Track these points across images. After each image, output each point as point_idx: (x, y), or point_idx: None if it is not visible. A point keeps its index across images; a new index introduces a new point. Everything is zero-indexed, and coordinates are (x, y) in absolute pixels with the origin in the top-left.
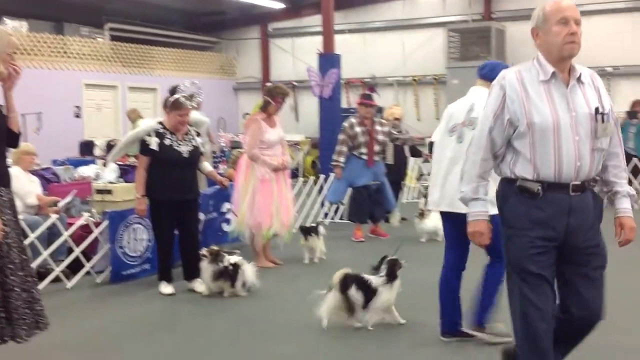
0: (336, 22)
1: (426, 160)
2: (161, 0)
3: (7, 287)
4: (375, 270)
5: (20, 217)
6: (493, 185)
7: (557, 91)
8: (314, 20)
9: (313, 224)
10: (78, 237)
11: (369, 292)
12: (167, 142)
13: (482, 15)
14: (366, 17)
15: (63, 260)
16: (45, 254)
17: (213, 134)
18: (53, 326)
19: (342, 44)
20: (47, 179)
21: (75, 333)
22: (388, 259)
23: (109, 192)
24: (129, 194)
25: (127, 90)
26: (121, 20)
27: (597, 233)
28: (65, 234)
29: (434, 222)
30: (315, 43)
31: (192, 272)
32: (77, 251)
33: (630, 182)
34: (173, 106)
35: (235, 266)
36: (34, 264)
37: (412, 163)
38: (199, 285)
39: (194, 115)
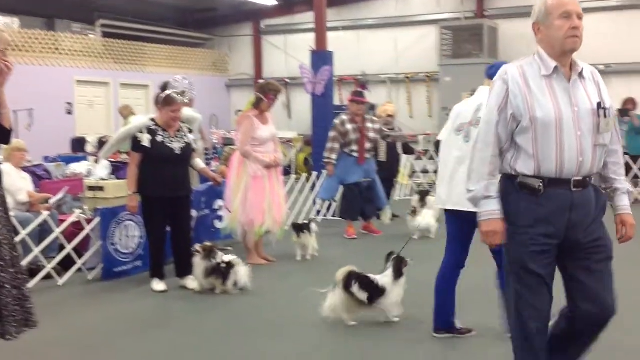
0: (329, 19)
1: (418, 158)
2: None
3: None
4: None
5: (12, 213)
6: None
7: (559, 86)
8: (307, 17)
9: (305, 221)
10: (69, 234)
11: (374, 290)
12: (159, 138)
13: (474, 13)
14: (359, 14)
15: (54, 257)
16: (36, 251)
17: (205, 131)
18: (44, 323)
19: (335, 41)
20: (39, 176)
21: (67, 330)
22: (394, 256)
23: (100, 188)
24: (121, 191)
25: (119, 86)
26: (113, 16)
27: (599, 226)
28: (57, 231)
29: (426, 219)
30: (308, 40)
31: (184, 269)
32: (68, 248)
33: None
34: (165, 102)
35: (229, 264)
36: (25, 261)
37: (405, 160)
38: (191, 282)
39: (186, 111)
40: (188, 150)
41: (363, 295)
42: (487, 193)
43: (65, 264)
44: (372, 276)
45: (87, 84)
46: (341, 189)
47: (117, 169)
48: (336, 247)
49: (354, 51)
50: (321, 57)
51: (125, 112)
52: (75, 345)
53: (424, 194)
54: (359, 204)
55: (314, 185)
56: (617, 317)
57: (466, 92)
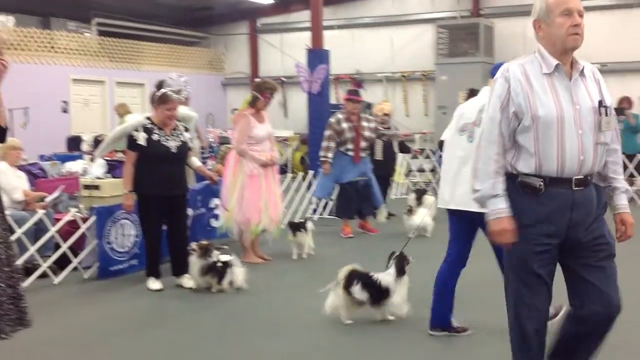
0: (325, 18)
1: (415, 157)
2: None
3: None
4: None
5: (7, 212)
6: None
7: (560, 84)
8: (303, 16)
9: (301, 220)
10: (65, 233)
11: (376, 290)
12: (155, 137)
13: (470, 12)
14: (355, 13)
15: (50, 256)
16: (32, 249)
17: (201, 129)
18: (40, 322)
19: (331, 39)
20: (34, 175)
21: (62, 329)
22: (396, 254)
23: (96, 187)
24: (117, 190)
25: (115, 85)
26: (109, 15)
27: (600, 225)
28: (53, 230)
29: (422, 218)
30: (304, 39)
31: (180, 268)
32: (64, 247)
33: None
34: (160, 100)
35: (225, 264)
36: (21, 260)
37: (401, 159)
38: (187, 281)
39: (182, 110)
40: (184, 148)
41: (363, 296)
42: (494, 192)
43: (61, 263)
44: (374, 275)
45: (82, 83)
46: (337, 188)
47: (113, 168)
48: (332, 246)
49: (350, 50)
50: (317, 55)
51: (122, 111)
52: (70, 344)
53: (420, 193)
54: (355, 202)
55: (310, 184)
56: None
57: (462, 91)
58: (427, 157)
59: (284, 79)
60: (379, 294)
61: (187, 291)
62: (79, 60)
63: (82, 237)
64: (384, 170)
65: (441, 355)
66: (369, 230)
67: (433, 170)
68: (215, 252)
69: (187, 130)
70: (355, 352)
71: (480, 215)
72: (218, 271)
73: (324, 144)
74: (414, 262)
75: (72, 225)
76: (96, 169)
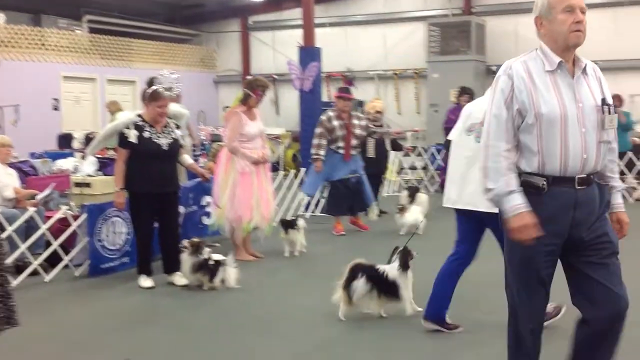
0: (317, 16)
1: (406, 154)
2: None
3: None
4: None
5: None
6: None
7: (563, 82)
8: (295, 14)
9: (293, 217)
10: (56, 231)
11: (383, 282)
12: (146, 134)
13: (462, 10)
14: (347, 10)
15: (41, 254)
16: (23, 247)
17: (193, 127)
18: (31, 320)
19: (323, 37)
20: (25, 172)
21: (54, 327)
22: (400, 249)
23: (87, 185)
24: (108, 187)
25: (106, 82)
26: (100, 12)
27: (603, 223)
28: (43, 227)
29: (414, 215)
30: (296, 36)
31: (172, 266)
32: (55, 244)
33: None
34: (151, 97)
35: (217, 262)
36: (12, 258)
37: (393, 157)
38: (179, 279)
39: (174, 107)
40: (175, 146)
41: (368, 288)
42: (509, 188)
43: (52, 261)
44: (380, 268)
45: (73, 80)
46: (328, 185)
47: (104, 165)
48: (324, 244)
49: (342, 47)
50: (309, 53)
51: (113, 108)
52: (61, 342)
53: (413, 191)
54: (346, 199)
55: (302, 182)
56: None
57: (454, 89)
58: (419, 154)
59: (275, 76)
60: (386, 286)
61: (178, 289)
62: (70, 57)
63: (73, 235)
64: (376, 168)
65: (441, 355)
66: (360, 227)
67: (425, 168)
68: (207, 250)
69: (178, 127)
70: (348, 349)
71: (490, 216)
72: (210, 269)
73: (315, 141)
74: (417, 257)
75: (63, 223)
76: (87, 166)
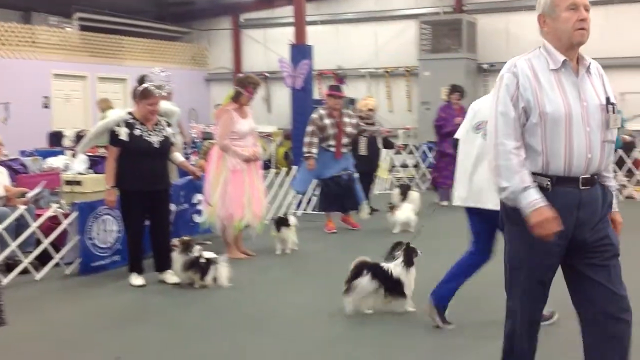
0: (308, 13)
1: (398, 152)
2: None
3: None
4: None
5: None
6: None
7: (567, 80)
8: (286, 11)
9: (285, 215)
10: (47, 229)
11: (387, 280)
12: (137, 132)
13: (453, 8)
14: (338, 8)
15: (31, 252)
16: (13, 245)
17: (184, 124)
18: (21, 318)
19: (314, 35)
20: (15, 170)
21: (44, 325)
22: (405, 246)
23: (78, 183)
24: (99, 185)
25: (97, 80)
26: (90, 9)
27: (605, 225)
28: (34, 225)
29: (405, 213)
30: (287, 34)
31: (163, 264)
32: (45, 242)
33: None
34: (142, 95)
35: (209, 260)
36: (2, 256)
37: (384, 154)
38: (170, 277)
39: (165, 105)
40: (166, 143)
41: (373, 285)
42: (524, 184)
43: (43, 259)
44: (385, 265)
45: (64, 78)
46: (319, 183)
47: (95, 163)
48: (316, 242)
49: (334, 45)
50: (300, 51)
51: (104, 105)
52: (52, 340)
53: (405, 188)
54: (338, 196)
55: (294, 179)
56: None
57: (445, 87)
58: (411, 152)
59: (267, 74)
60: (391, 284)
61: (169, 287)
62: (61, 55)
63: (64, 233)
64: (368, 166)
65: (441, 353)
66: (351, 225)
67: (416, 166)
68: (197, 247)
69: (169, 125)
70: (339, 347)
71: (496, 213)
72: (201, 267)
73: (307, 139)
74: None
75: (54, 221)
76: (78, 164)
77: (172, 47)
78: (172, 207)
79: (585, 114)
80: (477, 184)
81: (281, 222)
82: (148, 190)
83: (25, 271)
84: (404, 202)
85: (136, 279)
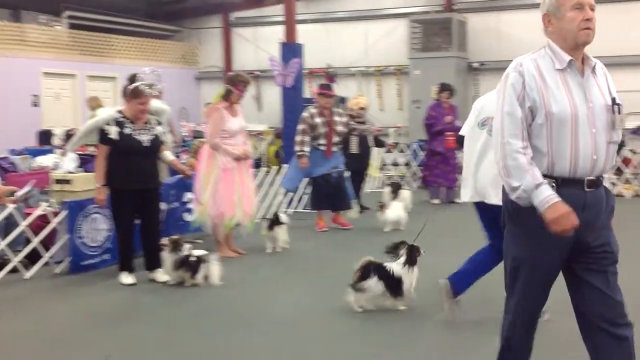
0: (298, 12)
1: (389, 151)
2: None
3: None
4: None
5: None
6: (493, 168)
7: (572, 80)
8: (276, 10)
9: (277, 214)
10: (36, 227)
11: (391, 279)
12: (127, 131)
13: (443, 7)
14: (328, 7)
15: (21, 251)
16: (2, 244)
17: (174, 123)
18: (10, 317)
19: (304, 33)
20: (5, 169)
21: (34, 324)
22: (408, 245)
23: (67, 181)
24: (89, 184)
25: (86, 78)
26: (80, 8)
27: (608, 231)
28: (23, 224)
29: (395, 212)
30: (278, 33)
31: (153, 262)
32: (35, 241)
33: None
34: (133, 94)
35: (199, 258)
36: None
37: (375, 153)
38: (161, 275)
39: (155, 103)
40: (156, 142)
41: (380, 286)
42: (536, 181)
43: (32, 258)
44: (387, 265)
45: (53, 76)
46: (309, 182)
47: (85, 162)
48: (307, 240)
49: (324, 44)
50: (291, 49)
51: (94, 104)
52: (42, 339)
53: (396, 187)
54: (328, 195)
55: (283, 178)
56: None
57: (435, 86)
58: (402, 151)
59: (257, 72)
60: (393, 282)
61: (160, 285)
62: (50, 53)
63: (54, 232)
64: (359, 165)
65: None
66: (342, 225)
67: (407, 164)
68: (187, 246)
69: (159, 124)
70: (331, 346)
71: (497, 208)
72: (191, 265)
73: (299, 138)
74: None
75: (43, 220)
76: (68, 163)
77: (163, 45)
78: (163, 205)
79: (591, 114)
80: (481, 179)
81: (274, 221)
82: (138, 189)
83: (14, 270)
84: (394, 200)
85: (126, 278)
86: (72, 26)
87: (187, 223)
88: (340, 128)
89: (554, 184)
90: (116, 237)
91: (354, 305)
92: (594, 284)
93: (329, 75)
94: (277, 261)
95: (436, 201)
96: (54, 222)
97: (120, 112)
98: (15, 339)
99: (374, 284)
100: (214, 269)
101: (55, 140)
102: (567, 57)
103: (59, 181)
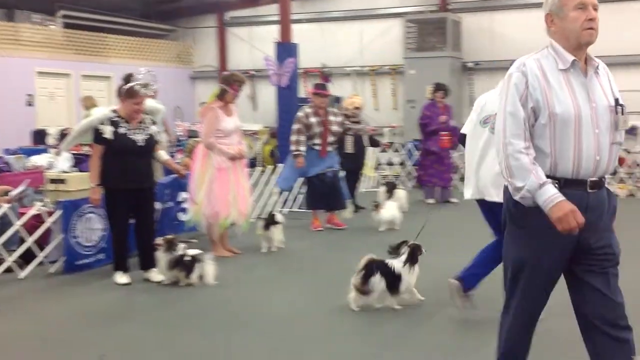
0: (293, 12)
1: (384, 150)
2: None
3: None
4: (395, 254)
5: None
6: (495, 166)
7: (576, 81)
8: (271, 9)
9: (273, 213)
10: (30, 227)
11: (392, 277)
12: (121, 130)
13: (438, 7)
14: (323, 6)
15: (15, 250)
16: None
17: (169, 122)
18: (5, 317)
19: (299, 33)
20: None
21: (28, 323)
22: (410, 243)
23: (62, 181)
24: (83, 184)
25: (81, 78)
26: (74, 7)
27: (610, 233)
28: (17, 224)
29: (390, 211)
30: (273, 32)
31: (148, 262)
32: (29, 241)
33: None
34: (128, 94)
35: (194, 258)
36: None
37: (370, 153)
38: (155, 275)
39: (150, 103)
40: (151, 141)
41: (382, 283)
42: (540, 180)
43: (27, 257)
44: (389, 263)
45: (48, 76)
46: (304, 181)
47: (80, 162)
48: (302, 240)
49: (319, 44)
50: (286, 49)
51: (88, 103)
52: (36, 339)
53: (391, 186)
54: (323, 194)
55: (278, 177)
56: None
57: (430, 85)
58: (396, 150)
59: (252, 72)
60: (393, 280)
61: (154, 285)
62: (44, 52)
63: (48, 231)
64: (355, 164)
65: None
66: (336, 225)
67: (402, 164)
68: (181, 246)
69: (154, 123)
70: (325, 345)
71: (499, 206)
72: (186, 265)
73: (294, 137)
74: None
75: (38, 219)
76: (62, 162)
77: (157, 45)
78: (157, 205)
79: (595, 115)
80: (483, 177)
81: (271, 221)
82: (133, 188)
83: (8, 270)
84: (389, 200)
85: (121, 278)
86: (67, 25)
87: (182, 222)
88: (335, 128)
89: (556, 185)
90: (111, 236)
91: (352, 304)
92: (595, 285)
93: (324, 75)
94: (272, 261)
95: (431, 201)
96: (49, 221)
97: (114, 111)
98: (10, 338)
99: (377, 281)
100: (208, 269)
101: (50, 140)
102: (571, 57)
103: (53, 181)
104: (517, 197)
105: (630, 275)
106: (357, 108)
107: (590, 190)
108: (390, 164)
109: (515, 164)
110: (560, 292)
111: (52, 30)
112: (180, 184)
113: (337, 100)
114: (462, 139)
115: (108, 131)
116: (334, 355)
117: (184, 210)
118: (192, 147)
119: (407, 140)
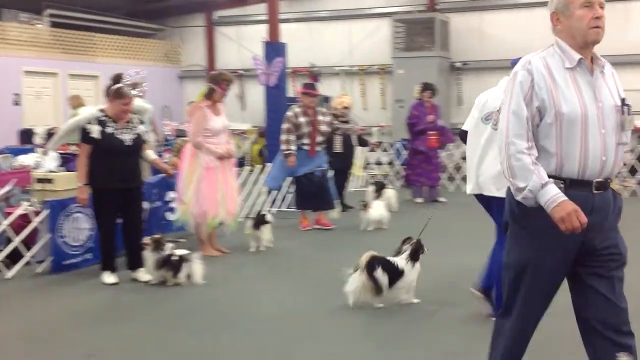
0: (282, 11)
1: (372, 150)
2: None
3: None
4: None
5: None
6: (497, 163)
7: (582, 79)
8: (260, 9)
9: (262, 212)
10: (17, 227)
11: (395, 273)
12: (109, 130)
13: (426, 6)
14: (312, 6)
15: (2, 250)
16: None
17: (156, 122)
18: None
19: (288, 32)
20: None
21: (16, 324)
22: (413, 241)
23: (49, 181)
24: (71, 183)
25: (68, 77)
26: (61, 6)
27: (615, 233)
28: (4, 223)
29: (378, 211)
30: (261, 31)
31: (135, 262)
32: (16, 241)
33: None
34: (116, 95)
35: (181, 257)
36: None
37: (359, 152)
38: (143, 275)
39: (137, 102)
40: (139, 141)
41: (385, 279)
42: (542, 181)
43: (13, 257)
44: (392, 259)
45: (34, 75)
46: (293, 180)
47: (67, 161)
48: (290, 239)
49: (307, 43)
50: (274, 48)
51: (75, 103)
52: (24, 339)
53: (379, 186)
54: (312, 194)
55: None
56: None
57: (418, 85)
58: (385, 150)
59: (241, 71)
60: (396, 277)
61: (142, 285)
62: (31, 52)
63: (35, 231)
64: (343, 163)
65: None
66: (324, 225)
67: (391, 163)
68: (169, 245)
69: (142, 123)
70: (318, 343)
71: (497, 200)
72: (173, 265)
73: (284, 137)
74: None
75: (25, 219)
76: (49, 162)
77: (145, 44)
78: (145, 205)
79: (601, 115)
80: (484, 173)
81: (260, 220)
82: (120, 188)
83: None
84: (378, 199)
85: (109, 277)
86: (54, 24)
87: (170, 222)
88: (324, 127)
89: (562, 185)
90: (98, 236)
91: (349, 298)
92: (599, 289)
93: (313, 75)
94: (260, 260)
95: (419, 200)
96: (36, 221)
97: (102, 111)
98: None
99: (380, 276)
100: (196, 268)
101: (37, 139)
102: (577, 56)
103: (40, 180)
104: (519, 198)
105: (632, 277)
106: (345, 108)
107: (595, 191)
108: (378, 163)
109: (517, 164)
110: (560, 293)
111: (39, 29)
112: (168, 183)
113: (326, 99)
114: (462, 136)
115: (95, 131)
116: (322, 354)
117: (171, 209)
118: (180, 146)
119: (396, 140)
